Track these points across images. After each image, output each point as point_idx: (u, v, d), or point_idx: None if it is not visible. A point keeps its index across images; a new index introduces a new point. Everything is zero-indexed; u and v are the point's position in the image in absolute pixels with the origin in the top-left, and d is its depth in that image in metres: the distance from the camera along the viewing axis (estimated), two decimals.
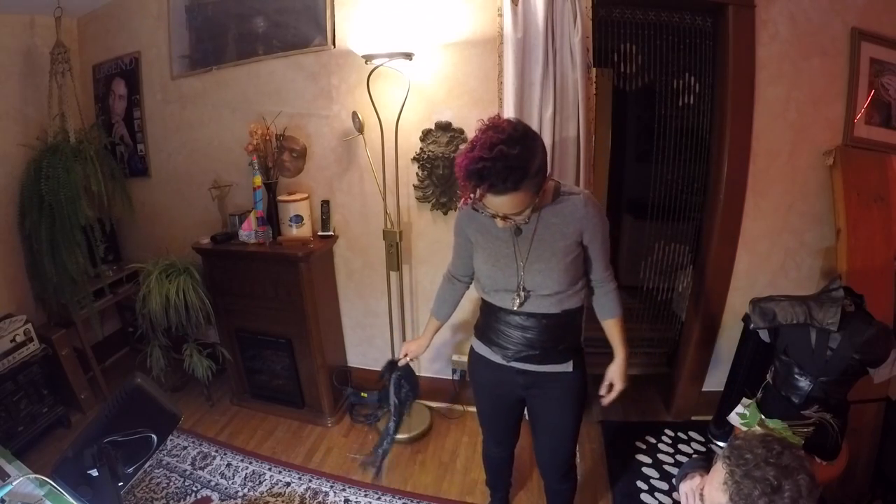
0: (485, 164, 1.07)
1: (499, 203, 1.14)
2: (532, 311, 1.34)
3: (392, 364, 1.64)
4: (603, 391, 1.48)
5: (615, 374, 1.47)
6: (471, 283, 1.56)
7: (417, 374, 2.61)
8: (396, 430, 1.65)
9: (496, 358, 1.44)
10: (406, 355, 1.62)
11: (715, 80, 2.23)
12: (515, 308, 1.35)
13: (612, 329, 1.47)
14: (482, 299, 1.47)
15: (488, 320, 1.45)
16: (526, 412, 1.57)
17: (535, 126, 1.92)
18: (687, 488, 1.08)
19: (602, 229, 1.32)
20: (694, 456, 1.52)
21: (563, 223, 1.28)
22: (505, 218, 1.20)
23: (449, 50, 2.10)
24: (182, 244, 2.61)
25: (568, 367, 1.41)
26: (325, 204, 2.44)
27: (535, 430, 1.56)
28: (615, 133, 3.65)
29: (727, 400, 2.20)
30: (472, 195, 1.15)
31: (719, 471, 0.88)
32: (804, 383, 1.57)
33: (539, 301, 1.33)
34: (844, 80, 2.01)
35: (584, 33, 1.87)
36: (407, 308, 2.50)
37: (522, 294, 1.33)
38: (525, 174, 1.10)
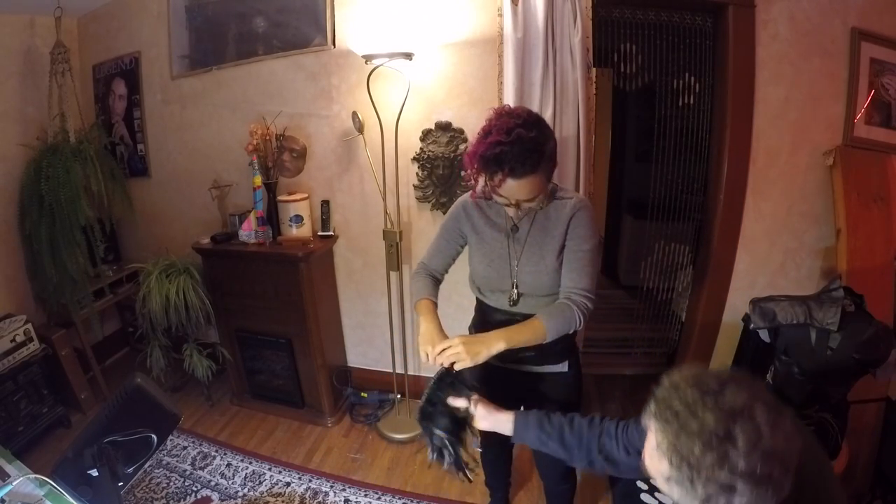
0: (503, 147, 1.09)
1: (516, 188, 1.14)
2: (527, 312, 1.34)
3: (448, 375, 1.18)
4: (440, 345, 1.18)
5: (465, 336, 1.19)
6: (442, 279, 1.49)
7: (417, 373, 2.65)
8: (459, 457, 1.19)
9: (492, 359, 1.44)
10: (450, 358, 1.17)
11: (715, 80, 2.23)
12: (510, 308, 1.35)
13: (527, 321, 1.23)
14: (478, 300, 1.46)
15: (484, 321, 1.44)
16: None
17: None
18: None
19: (585, 233, 1.25)
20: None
21: (553, 226, 1.28)
22: (518, 205, 1.19)
23: (449, 50, 2.10)
24: (182, 244, 2.61)
25: (564, 367, 1.41)
26: (325, 204, 2.44)
27: None
28: (615, 133, 3.65)
29: None
30: (488, 182, 1.14)
31: (651, 431, 0.72)
32: (804, 383, 1.57)
33: (534, 301, 1.33)
34: (844, 80, 2.01)
35: (584, 33, 1.87)
36: (407, 308, 2.50)
37: (516, 294, 1.33)
38: (542, 157, 1.12)
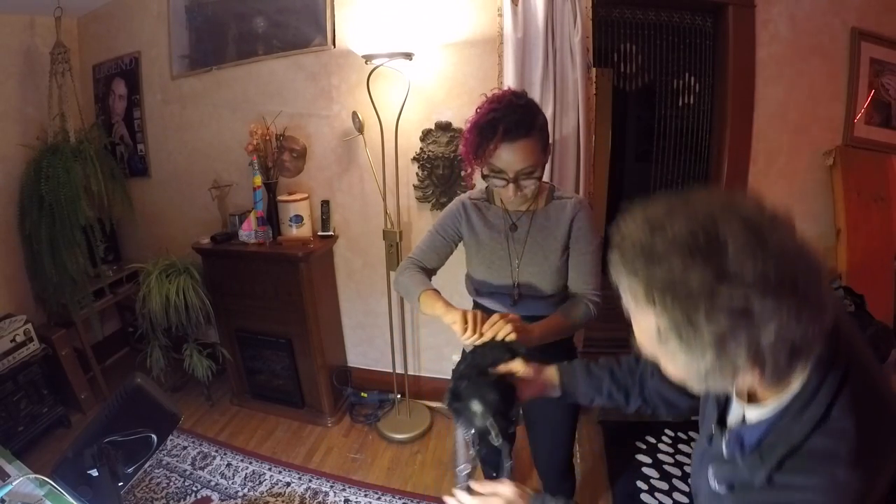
0: (495, 114, 1.17)
1: (511, 155, 1.16)
2: (526, 314, 1.33)
3: (492, 344, 1.03)
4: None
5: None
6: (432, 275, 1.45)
7: (417, 373, 2.65)
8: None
9: None
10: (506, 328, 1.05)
11: (715, 80, 2.23)
12: (510, 309, 1.34)
13: (550, 317, 1.23)
14: (475, 301, 1.46)
15: None
16: (522, 413, 1.56)
17: None
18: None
19: (588, 235, 1.28)
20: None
21: (554, 225, 1.29)
22: (516, 181, 1.18)
23: (449, 50, 2.10)
24: (182, 244, 2.61)
25: None
26: (325, 204, 2.44)
27: (532, 432, 1.55)
28: (615, 133, 3.64)
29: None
30: (483, 154, 1.18)
31: (623, 289, 0.54)
32: None
33: (534, 303, 1.33)
34: (844, 80, 2.02)
35: (584, 33, 1.87)
36: (407, 308, 2.50)
37: (517, 294, 1.33)
38: (533, 122, 1.17)
